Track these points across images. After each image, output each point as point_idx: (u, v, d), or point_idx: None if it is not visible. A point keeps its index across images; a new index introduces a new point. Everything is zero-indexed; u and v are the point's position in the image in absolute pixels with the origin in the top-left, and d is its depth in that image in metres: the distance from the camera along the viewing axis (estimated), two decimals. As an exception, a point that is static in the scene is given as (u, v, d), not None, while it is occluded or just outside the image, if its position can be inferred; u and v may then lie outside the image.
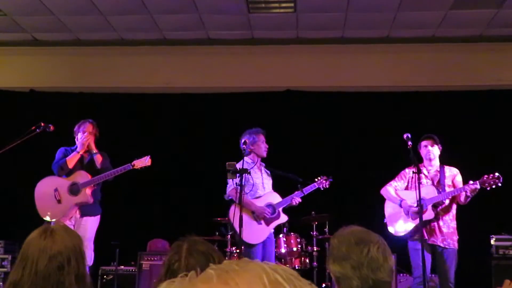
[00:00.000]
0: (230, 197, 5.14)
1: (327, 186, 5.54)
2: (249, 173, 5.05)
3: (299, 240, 5.73)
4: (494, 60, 7.25)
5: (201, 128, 7.34)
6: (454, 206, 5.01)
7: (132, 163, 5.13)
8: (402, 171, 5.18)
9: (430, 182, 4.98)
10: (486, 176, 4.75)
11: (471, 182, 4.80)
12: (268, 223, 5.28)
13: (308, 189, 5.44)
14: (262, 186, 5.38)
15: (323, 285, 5.71)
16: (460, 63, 7.29)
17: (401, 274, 5.82)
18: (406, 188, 5.13)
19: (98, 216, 5.34)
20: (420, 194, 4.61)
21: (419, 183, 4.70)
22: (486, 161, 6.50)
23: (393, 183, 5.16)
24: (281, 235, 5.66)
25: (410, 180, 5.13)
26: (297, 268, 5.57)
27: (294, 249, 5.66)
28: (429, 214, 4.86)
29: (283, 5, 6.57)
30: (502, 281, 2.28)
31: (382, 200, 5.26)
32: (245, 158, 5.32)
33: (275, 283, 0.71)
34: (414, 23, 6.85)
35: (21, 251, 2.02)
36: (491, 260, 6.10)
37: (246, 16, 6.73)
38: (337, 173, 5.83)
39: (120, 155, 5.56)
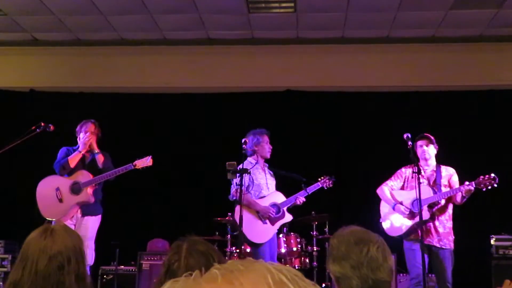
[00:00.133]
0: (234, 198, 5.16)
1: (331, 186, 5.61)
2: (249, 173, 5.06)
3: (299, 240, 5.74)
4: (494, 60, 7.25)
5: (201, 128, 7.34)
6: (451, 206, 4.99)
7: (134, 163, 5.14)
8: (399, 170, 5.18)
9: (426, 182, 4.98)
10: (482, 177, 4.74)
11: (466, 182, 4.79)
12: (273, 222, 5.31)
13: (312, 188, 5.49)
14: (266, 187, 5.41)
15: (323, 285, 5.71)
16: (460, 63, 7.29)
17: (401, 274, 5.82)
18: (402, 188, 5.13)
19: (99, 216, 5.35)
20: (420, 195, 4.60)
21: (419, 183, 4.70)
22: (486, 161, 6.50)
23: (389, 183, 5.16)
24: (281, 235, 5.67)
25: (406, 180, 5.12)
26: (297, 268, 5.57)
27: (294, 249, 5.67)
28: (424, 215, 4.85)
29: (283, 5, 6.57)
30: (502, 281, 2.27)
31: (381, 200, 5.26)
32: (249, 158, 5.34)
33: (279, 283, 0.72)
34: (414, 23, 6.85)
35: (21, 251, 2.03)
36: (491, 260, 6.10)
37: (246, 16, 6.73)
38: (337, 173, 5.83)
39: (120, 155, 5.56)
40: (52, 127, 5.33)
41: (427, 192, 4.83)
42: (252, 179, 5.33)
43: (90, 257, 4.97)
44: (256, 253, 5.17)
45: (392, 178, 5.18)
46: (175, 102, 7.49)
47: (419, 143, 5.03)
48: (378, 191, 5.19)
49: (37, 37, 7.46)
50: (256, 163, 5.36)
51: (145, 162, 5.17)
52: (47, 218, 5.14)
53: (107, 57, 7.62)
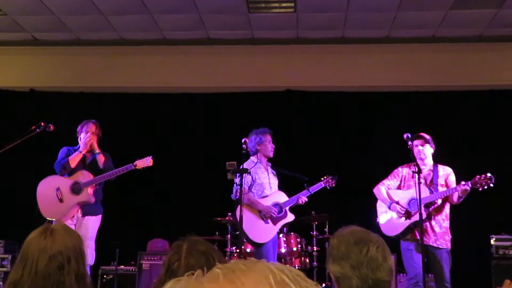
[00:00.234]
0: (236, 197, 5.16)
1: (334, 185, 5.62)
2: (249, 172, 5.06)
3: (299, 240, 5.74)
4: (494, 60, 7.25)
5: (201, 128, 7.35)
6: (447, 206, 4.97)
7: (134, 163, 5.15)
8: (395, 170, 5.18)
9: (423, 181, 4.95)
10: (478, 176, 4.72)
11: (462, 182, 4.78)
12: (275, 222, 5.31)
13: (315, 188, 5.50)
14: (269, 186, 5.42)
15: (323, 285, 5.71)
16: (460, 63, 7.29)
17: (401, 274, 5.82)
18: (399, 187, 5.12)
19: (100, 216, 5.35)
20: (420, 195, 4.60)
21: (419, 183, 4.69)
22: (486, 161, 6.50)
23: (386, 182, 5.15)
24: (281, 235, 5.66)
25: (403, 179, 5.12)
26: (297, 268, 5.55)
27: (294, 249, 5.67)
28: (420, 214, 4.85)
29: (283, 5, 6.57)
30: (502, 281, 2.28)
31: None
32: (251, 158, 5.36)
33: (281, 284, 0.72)
34: (414, 23, 6.85)
35: (21, 251, 2.03)
36: (491, 260, 6.10)
37: (246, 16, 6.73)
38: (337, 173, 5.83)
39: (120, 155, 5.57)
40: (52, 127, 5.33)
41: (423, 192, 4.81)
42: (255, 179, 5.34)
43: (90, 257, 4.97)
44: (258, 253, 5.18)
45: (389, 177, 5.18)
46: (175, 102, 7.49)
47: (415, 142, 5.03)
48: (375, 190, 5.19)
49: (37, 37, 7.46)
50: (257, 162, 5.37)
51: (146, 162, 5.18)
52: (48, 218, 5.14)
53: (107, 57, 7.62)
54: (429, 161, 5.05)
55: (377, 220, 5.15)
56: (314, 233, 5.90)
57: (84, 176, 5.26)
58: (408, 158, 4.96)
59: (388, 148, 6.35)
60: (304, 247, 5.79)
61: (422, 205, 4.79)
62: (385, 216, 5.09)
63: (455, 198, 4.86)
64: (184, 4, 6.43)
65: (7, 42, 7.50)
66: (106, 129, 5.68)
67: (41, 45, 7.57)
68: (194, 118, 7.40)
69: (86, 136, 5.37)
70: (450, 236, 4.92)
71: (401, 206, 4.95)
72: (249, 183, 5.34)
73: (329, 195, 5.94)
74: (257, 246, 5.24)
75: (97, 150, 5.41)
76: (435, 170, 5.01)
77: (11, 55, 7.64)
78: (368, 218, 5.18)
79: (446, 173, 5.03)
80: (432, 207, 4.89)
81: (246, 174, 4.97)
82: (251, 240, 5.23)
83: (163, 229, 6.77)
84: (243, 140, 5.05)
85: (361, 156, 7.01)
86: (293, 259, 5.71)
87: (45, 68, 7.72)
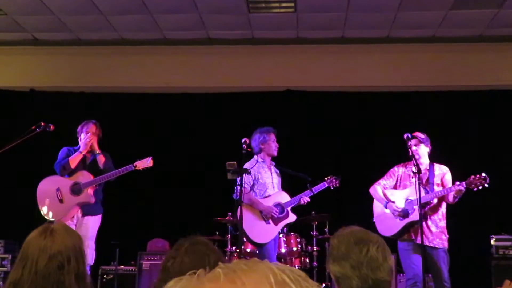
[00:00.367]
0: (238, 197, 5.15)
1: (337, 185, 5.58)
2: (249, 172, 5.06)
3: (299, 240, 5.73)
4: (494, 60, 7.25)
5: (201, 128, 7.34)
6: (444, 205, 4.96)
7: (134, 164, 5.15)
8: (391, 169, 5.18)
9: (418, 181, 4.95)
10: (472, 176, 4.70)
11: (457, 183, 4.78)
12: (276, 222, 5.30)
13: (318, 188, 5.47)
14: (271, 186, 5.40)
15: (323, 285, 5.71)
16: (460, 63, 7.29)
17: (401, 274, 5.82)
18: (395, 187, 5.12)
19: (100, 216, 5.36)
20: (420, 195, 4.59)
21: (419, 183, 4.69)
22: (486, 161, 6.50)
23: (382, 182, 5.15)
24: (281, 235, 5.66)
25: (399, 178, 5.12)
26: (297, 268, 5.56)
27: (294, 249, 5.66)
28: (416, 215, 4.85)
29: (283, 5, 6.57)
30: (502, 281, 2.28)
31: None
32: (255, 157, 5.35)
33: (282, 284, 0.72)
34: (414, 23, 6.85)
35: (21, 251, 2.02)
36: (491, 260, 6.10)
37: (246, 16, 6.73)
38: (337, 173, 5.83)
39: (120, 155, 5.57)
40: (52, 127, 5.33)
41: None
42: (257, 178, 5.33)
43: (90, 256, 4.97)
44: (260, 253, 5.17)
45: (385, 177, 5.18)
46: (175, 102, 7.49)
47: (409, 142, 5.03)
48: (371, 190, 5.18)
49: (37, 36, 7.46)
50: (260, 161, 5.35)
51: (146, 163, 5.17)
52: (48, 219, 5.14)
53: (107, 57, 7.62)
54: (425, 161, 5.04)
55: (373, 220, 5.15)
56: (314, 233, 5.90)
57: (84, 176, 5.26)
58: (407, 157, 4.96)
59: (388, 148, 6.35)
60: (304, 247, 5.79)
61: (417, 205, 4.79)
62: (381, 216, 5.09)
63: (450, 198, 4.86)
64: (184, 4, 6.43)
65: (7, 42, 7.50)
66: (106, 129, 5.68)
67: (41, 45, 7.57)
68: (194, 118, 7.40)
69: (86, 137, 5.37)
70: (447, 236, 4.91)
71: (397, 206, 4.95)
72: (251, 183, 5.33)
73: (329, 195, 5.94)
74: (259, 246, 5.23)
75: (97, 151, 5.41)
76: (431, 170, 5.00)
77: (11, 55, 7.64)
78: (368, 218, 5.18)
79: (442, 172, 5.02)
80: (428, 206, 4.88)
81: (246, 174, 4.96)
82: (251, 240, 5.22)
83: (163, 229, 6.77)
84: (243, 140, 5.04)
85: (361, 156, 7.00)
86: (293, 259, 5.70)
87: (45, 68, 7.72)
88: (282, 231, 5.70)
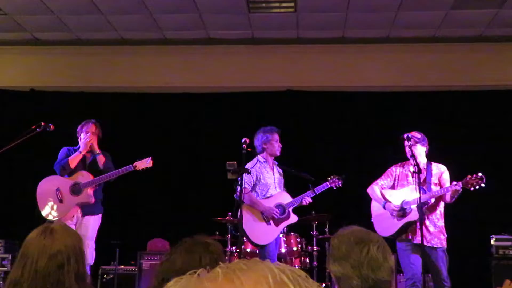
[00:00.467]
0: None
1: (341, 185, 5.49)
2: (249, 172, 5.04)
3: (299, 240, 5.72)
4: (494, 60, 7.25)
5: (201, 128, 7.34)
6: (442, 205, 4.95)
7: (134, 164, 5.14)
8: (389, 169, 5.18)
9: (415, 179, 4.94)
10: (469, 176, 4.69)
11: (454, 183, 4.77)
12: (277, 223, 5.26)
13: (320, 188, 5.41)
14: (273, 186, 5.37)
15: (323, 285, 5.71)
16: (460, 63, 7.29)
17: (401, 274, 5.82)
18: (392, 187, 5.12)
19: (100, 216, 5.35)
20: (421, 195, 4.60)
21: (419, 183, 4.69)
22: (486, 161, 6.50)
23: (379, 182, 5.15)
24: (281, 235, 5.65)
25: (396, 178, 5.12)
26: (296, 268, 5.55)
27: (294, 248, 5.65)
28: (414, 215, 4.84)
29: (284, 4, 6.57)
30: (502, 281, 2.28)
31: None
32: (258, 156, 5.33)
33: (280, 284, 0.72)
34: (415, 23, 6.85)
35: (21, 250, 2.02)
36: (491, 260, 6.10)
37: (247, 15, 6.73)
38: (337, 173, 5.82)
39: (120, 155, 5.57)
40: (52, 127, 5.32)
41: (416, 192, 4.80)
42: (259, 178, 5.30)
43: (90, 256, 4.97)
44: (261, 253, 5.15)
45: (383, 177, 5.17)
46: (175, 102, 7.49)
47: (405, 143, 5.03)
48: (369, 190, 5.18)
49: (37, 36, 7.46)
50: (260, 161, 5.34)
51: (145, 163, 5.17)
52: (48, 219, 5.14)
53: (108, 56, 7.62)
54: (422, 160, 5.03)
55: (371, 221, 5.14)
56: (314, 233, 5.89)
57: (83, 176, 5.26)
58: (406, 157, 4.97)
59: (388, 148, 6.35)
60: (304, 247, 5.78)
61: (415, 205, 4.79)
62: (379, 217, 5.08)
63: (448, 197, 4.85)
64: (184, 4, 6.43)
65: (8, 42, 7.50)
66: (106, 129, 5.67)
67: (41, 45, 7.58)
68: (194, 118, 7.40)
69: (86, 137, 5.37)
70: (446, 235, 4.90)
71: (395, 206, 4.95)
72: (252, 183, 5.31)
73: (329, 195, 5.93)
74: (260, 247, 5.22)
75: (97, 151, 5.41)
76: (428, 169, 5.00)
77: (11, 54, 7.64)
78: (368, 218, 5.18)
79: (440, 171, 5.02)
80: (425, 206, 4.88)
81: (246, 173, 4.95)
82: (252, 242, 5.21)
83: (163, 229, 6.76)
84: (243, 140, 5.03)
85: (361, 156, 7.00)
86: (293, 259, 5.69)
87: (45, 68, 7.72)
88: (282, 231, 5.69)
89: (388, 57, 7.38)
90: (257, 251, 5.31)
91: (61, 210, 5.21)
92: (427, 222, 4.85)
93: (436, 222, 4.90)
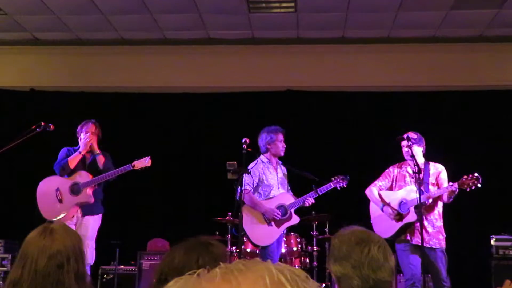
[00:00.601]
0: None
1: (345, 186, 5.40)
2: (249, 172, 5.03)
3: (299, 240, 5.71)
4: (494, 60, 7.25)
5: (201, 128, 7.34)
6: (440, 205, 4.94)
7: (132, 164, 5.14)
8: (387, 170, 5.17)
9: (413, 180, 4.94)
10: (465, 176, 4.68)
11: (450, 183, 4.77)
12: (278, 224, 5.23)
13: (323, 189, 5.33)
14: (276, 187, 5.33)
15: (323, 285, 5.70)
16: (460, 63, 7.29)
17: (401, 275, 5.81)
18: (390, 187, 5.11)
19: (100, 215, 5.35)
20: (420, 195, 4.59)
21: (419, 183, 4.68)
22: (486, 161, 6.51)
23: (378, 183, 5.14)
24: (281, 235, 5.65)
25: (394, 179, 5.11)
26: (296, 268, 5.55)
27: (294, 249, 5.65)
28: (412, 216, 4.84)
29: (284, 4, 6.57)
30: (502, 281, 2.28)
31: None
32: (261, 156, 5.32)
33: (277, 284, 0.72)
34: (415, 23, 6.85)
35: (20, 250, 2.02)
36: (491, 260, 6.10)
37: (247, 15, 6.73)
38: (337, 173, 5.81)
39: (120, 155, 5.57)
40: (52, 127, 5.32)
41: (414, 192, 4.79)
42: (262, 179, 5.28)
43: (90, 256, 4.98)
44: (262, 254, 5.14)
45: (381, 178, 5.17)
46: (175, 102, 7.49)
47: (402, 143, 5.03)
48: (367, 191, 5.17)
49: (37, 36, 7.46)
50: (263, 162, 5.32)
51: (144, 162, 5.16)
52: (47, 219, 5.14)
53: (108, 56, 7.62)
54: (419, 160, 5.03)
55: (371, 222, 5.14)
56: (314, 233, 5.88)
57: (82, 176, 5.26)
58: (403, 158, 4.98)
59: (388, 148, 6.35)
60: (304, 247, 5.77)
61: (412, 207, 4.78)
62: (378, 218, 5.07)
63: (445, 197, 4.85)
64: (184, 4, 6.43)
65: (8, 42, 7.50)
66: (106, 129, 5.67)
67: (41, 45, 7.57)
68: (194, 118, 7.40)
69: (86, 137, 5.37)
70: (444, 235, 4.89)
71: (393, 208, 4.94)
72: (254, 184, 5.27)
73: (329, 195, 5.93)
74: (261, 248, 5.21)
75: (97, 151, 5.40)
76: (426, 169, 4.99)
77: (11, 54, 7.64)
78: (369, 218, 5.17)
79: (437, 170, 5.01)
80: (423, 207, 4.87)
81: (246, 174, 4.94)
82: (253, 243, 5.20)
83: (163, 229, 6.76)
84: (243, 140, 5.02)
85: (361, 156, 7.00)
86: (293, 259, 5.69)
87: (45, 67, 7.72)
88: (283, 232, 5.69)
89: (388, 57, 7.37)
90: (257, 251, 5.31)
91: (61, 210, 5.22)
92: (425, 223, 4.84)
93: (435, 222, 4.89)
